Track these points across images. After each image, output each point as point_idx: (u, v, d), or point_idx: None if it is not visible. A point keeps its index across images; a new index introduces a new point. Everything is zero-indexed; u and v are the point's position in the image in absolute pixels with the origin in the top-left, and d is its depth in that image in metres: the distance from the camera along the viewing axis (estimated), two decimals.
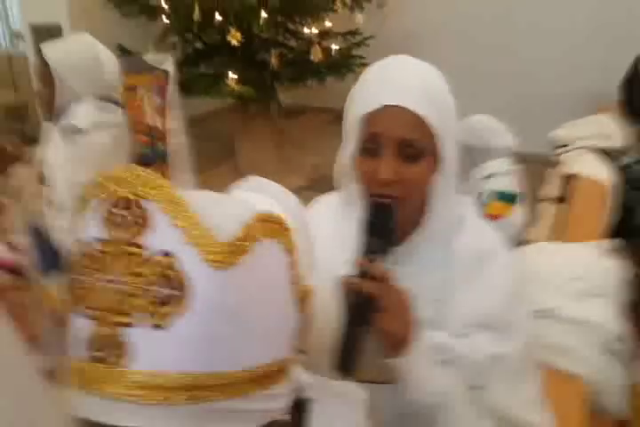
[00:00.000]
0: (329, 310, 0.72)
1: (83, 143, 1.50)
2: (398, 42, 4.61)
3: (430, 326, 0.74)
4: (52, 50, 1.53)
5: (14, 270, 1.26)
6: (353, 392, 0.55)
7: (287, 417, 0.43)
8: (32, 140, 4.89)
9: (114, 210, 0.36)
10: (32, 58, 4.57)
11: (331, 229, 0.84)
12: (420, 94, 0.73)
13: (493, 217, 1.97)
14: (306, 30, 3.79)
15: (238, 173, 4.42)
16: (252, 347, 0.37)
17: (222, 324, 0.35)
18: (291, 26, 3.90)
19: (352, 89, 0.78)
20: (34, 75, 1.59)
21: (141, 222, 0.35)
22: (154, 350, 0.34)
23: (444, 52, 4.59)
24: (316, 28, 3.82)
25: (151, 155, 3.49)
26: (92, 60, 1.53)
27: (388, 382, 0.71)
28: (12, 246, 1.33)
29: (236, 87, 3.30)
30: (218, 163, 4.07)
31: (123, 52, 3.86)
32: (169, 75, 3.31)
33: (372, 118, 0.73)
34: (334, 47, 3.69)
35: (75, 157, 1.50)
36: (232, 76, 3.32)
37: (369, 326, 0.68)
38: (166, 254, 0.34)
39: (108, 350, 0.34)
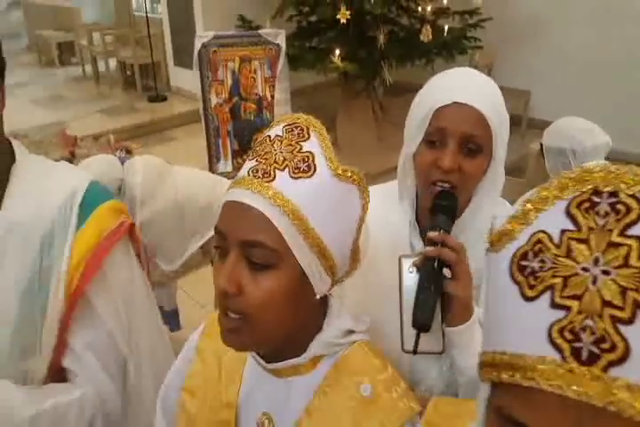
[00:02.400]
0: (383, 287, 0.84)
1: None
2: (517, 26, 4.38)
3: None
4: None
5: None
6: None
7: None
8: (162, 97, 5.36)
9: None
10: (166, 21, 5.02)
11: (378, 219, 0.91)
12: (486, 99, 0.80)
13: None
14: (420, 8, 3.74)
15: (336, 148, 4.57)
16: (326, 226, 0.59)
17: (326, 196, 0.58)
18: (404, 3, 3.87)
19: (418, 93, 0.85)
20: None
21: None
22: (290, 186, 0.57)
23: (566, 38, 4.28)
24: (432, 5, 3.76)
25: (258, 122, 3.77)
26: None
27: (440, 353, 0.79)
28: None
29: (341, 64, 3.40)
30: None
31: (243, 22, 4.12)
32: (281, 49, 3.51)
33: (441, 113, 0.79)
34: (446, 27, 3.62)
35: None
36: (338, 52, 3.41)
37: (440, 292, 0.75)
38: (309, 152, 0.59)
39: (262, 173, 0.58)
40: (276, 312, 0.58)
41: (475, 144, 0.79)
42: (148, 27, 4.90)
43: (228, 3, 4.31)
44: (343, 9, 3.25)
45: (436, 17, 3.79)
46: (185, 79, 4.85)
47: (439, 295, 0.75)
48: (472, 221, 0.86)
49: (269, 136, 0.61)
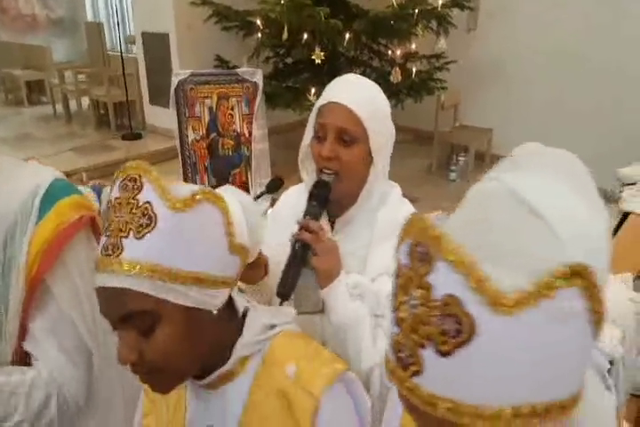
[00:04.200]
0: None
1: None
2: (480, 68, 4.67)
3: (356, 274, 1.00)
4: None
5: None
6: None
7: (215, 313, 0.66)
8: (136, 136, 5.35)
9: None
10: (141, 61, 5.10)
11: (294, 203, 1.11)
12: (358, 98, 0.96)
13: None
14: (390, 52, 3.96)
15: None
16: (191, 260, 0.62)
17: (174, 234, 0.61)
18: (375, 47, 4.09)
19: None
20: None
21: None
22: (138, 248, 0.60)
23: (526, 80, 4.59)
24: (402, 49, 3.99)
25: (237, 158, 3.83)
26: None
27: (320, 312, 0.98)
28: None
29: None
30: (294, 171, 4.32)
31: (220, 62, 4.24)
32: (258, 87, 3.61)
33: (321, 112, 0.98)
34: (414, 69, 3.82)
35: None
36: (313, 91, 3.55)
37: (305, 265, 0.94)
38: None
39: (112, 248, 0.61)
40: (181, 353, 0.63)
41: (349, 136, 0.95)
42: (123, 66, 4.97)
43: (204, 43, 4.43)
44: (317, 50, 3.41)
45: (405, 60, 4.02)
46: (160, 118, 4.89)
47: (300, 269, 0.94)
48: (365, 201, 1.03)
49: (111, 200, 0.64)
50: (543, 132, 4.44)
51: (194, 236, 0.62)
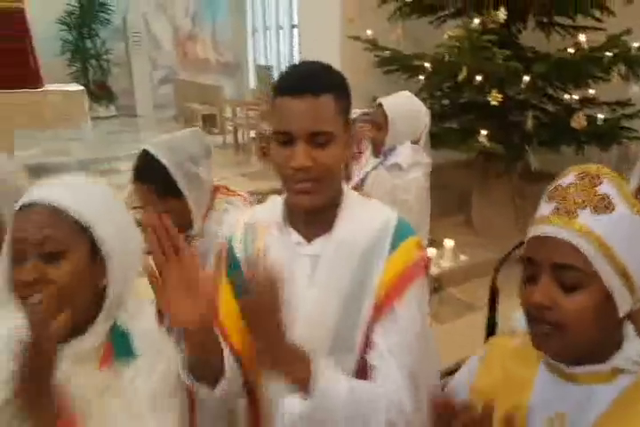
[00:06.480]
0: None
1: (404, 178, 1.91)
2: None
3: None
4: (389, 104, 1.97)
5: None
6: None
7: None
8: None
9: None
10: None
11: None
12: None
13: None
14: (566, 96, 3.75)
15: (470, 227, 4.48)
16: None
17: (626, 228, 0.68)
18: (550, 90, 3.90)
19: None
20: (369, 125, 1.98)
21: None
22: (593, 220, 0.68)
23: None
24: (578, 94, 3.76)
25: None
26: (415, 111, 1.98)
27: None
28: None
29: (488, 144, 3.42)
30: (451, 213, 4.20)
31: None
32: (425, 127, 3.61)
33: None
34: (600, 116, 3.55)
35: (397, 186, 1.87)
36: (484, 132, 3.45)
37: None
38: None
39: (565, 212, 0.69)
40: (586, 326, 0.68)
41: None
42: None
43: (364, 85, 4.57)
44: (494, 92, 3.33)
45: (582, 106, 3.76)
46: None
47: None
48: None
49: (560, 185, 0.71)
50: None
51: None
